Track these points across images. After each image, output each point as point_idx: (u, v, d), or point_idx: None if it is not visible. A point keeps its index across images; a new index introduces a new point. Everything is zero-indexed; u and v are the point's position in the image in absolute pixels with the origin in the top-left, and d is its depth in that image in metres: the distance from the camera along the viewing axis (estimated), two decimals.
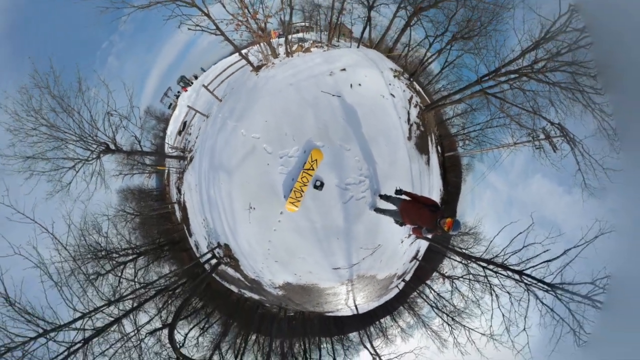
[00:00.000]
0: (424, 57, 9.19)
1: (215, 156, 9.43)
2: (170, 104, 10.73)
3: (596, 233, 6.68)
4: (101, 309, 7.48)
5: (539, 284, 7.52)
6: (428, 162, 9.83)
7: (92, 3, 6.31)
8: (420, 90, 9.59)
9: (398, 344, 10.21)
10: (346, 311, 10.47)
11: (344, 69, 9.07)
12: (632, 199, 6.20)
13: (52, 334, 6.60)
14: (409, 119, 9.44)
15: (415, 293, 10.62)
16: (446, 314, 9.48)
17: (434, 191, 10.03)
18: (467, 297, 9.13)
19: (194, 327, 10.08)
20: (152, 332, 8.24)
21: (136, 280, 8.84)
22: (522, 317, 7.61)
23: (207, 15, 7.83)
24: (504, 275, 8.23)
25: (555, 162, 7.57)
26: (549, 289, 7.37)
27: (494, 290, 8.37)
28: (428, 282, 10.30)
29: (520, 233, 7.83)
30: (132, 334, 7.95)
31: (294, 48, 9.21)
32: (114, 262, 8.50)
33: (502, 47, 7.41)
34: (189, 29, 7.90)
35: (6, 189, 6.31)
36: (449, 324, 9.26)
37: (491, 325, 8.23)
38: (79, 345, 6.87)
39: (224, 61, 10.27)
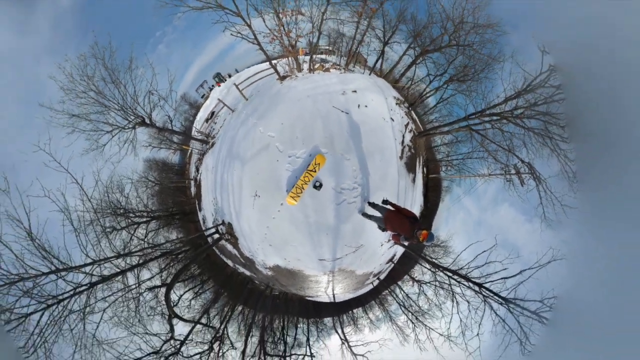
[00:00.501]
0: (423, 91, 9.40)
1: (234, 146, 9.41)
2: (204, 94, 10.75)
3: (549, 259, 6.74)
4: (110, 259, 7.25)
5: (495, 296, 7.49)
6: (414, 180, 9.89)
7: None
8: (416, 118, 9.77)
9: (366, 334, 9.99)
10: (324, 298, 10.27)
11: (355, 91, 9.21)
12: (583, 233, 6.28)
13: (63, 273, 6.38)
14: (403, 142, 9.55)
15: (387, 291, 10.48)
16: (411, 312, 9.34)
17: (415, 206, 10.05)
18: (431, 301, 9.04)
19: (188, 290, 9.77)
20: (151, 289, 7.97)
21: (145, 240, 8.60)
22: (477, 323, 7.54)
23: (249, 25, 7.96)
24: (465, 285, 8.19)
25: (521, 194, 7.70)
26: (503, 302, 7.34)
27: (455, 298, 8.31)
28: (399, 283, 10.19)
29: (484, 251, 7.85)
30: (134, 287, 7.71)
31: (316, 66, 9.37)
32: (129, 221, 8.28)
33: (490, 92, 7.66)
34: (231, 34, 8.01)
35: (49, 138, 6.22)
36: (412, 322, 9.12)
37: (449, 328, 8.13)
38: (84, 287, 6.63)
39: (256, 67, 10.38)
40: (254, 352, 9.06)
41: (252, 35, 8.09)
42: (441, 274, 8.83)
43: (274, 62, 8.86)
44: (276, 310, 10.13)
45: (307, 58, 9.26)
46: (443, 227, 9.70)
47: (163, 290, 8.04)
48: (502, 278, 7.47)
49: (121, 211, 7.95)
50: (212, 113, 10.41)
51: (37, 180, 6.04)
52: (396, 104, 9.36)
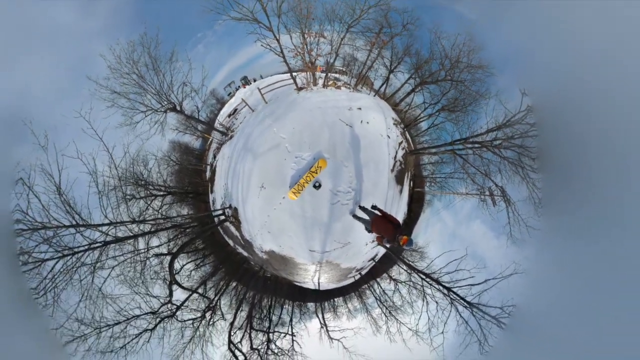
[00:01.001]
0: (418, 116, 9.51)
1: (249, 141, 9.36)
2: (230, 92, 10.77)
3: (511, 272, 6.67)
4: (126, 223, 7.02)
5: (461, 300, 7.36)
6: (401, 191, 9.87)
7: (203, 2, 6.51)
8: (409, 138, 9.84)
9: (343, 321, 9.69)
10: (310, 285, 10.01)
11: (360, 108, 9.28)
12: (543, 252, 6.27)
13: (82, 229, 6.15)
14: (395, 157, 9.57)
15: (366, 285, 10.25)
16: (386, 307, 9.10)
17: (399, 214, 9.99)
18: (404, 298, 8.84)
19: (190, 262, 9.44)
20: (157, 255, 7.70)
21: (159, 211, 8.36)
22: (442, 322, 7.36)
23: (278, 40, 8.06)
24: (436, 287, 8.04)
25: (492, 214, 7.70)
26: (468, 306, 7.21)
27: (426, 298, 8.14)
28: (378, 279, 9.98)
29: (456, 260, 7.73)
30: (142, 251, 7.45)
31: (329, 83, 9.48)
32: (148, 192, 8.05)
33: (474, 123, 7.77)
34: (261, 45, 8.09)
35: (90, 108, 6.12)
36: (385, 315, 8.87)
37: (417, 324, 7.93)
38: (99, 244, 6.39)
39: (278, 76, 10.46)
40: (242, 325, 8.72)
41: (279, 49, 8.17)
42: (415, 275, 8.69)
43: (294, 74, 8.94)
44: (266, 290, 9.83)
45: (323, 75, 9.36)
46: (421, 235, 9.62)
47: (168, 258, 7.78)
48: (468, 285, 7.36)
49: (142, 182, 7.75)
50: (235, 110, 10.40)
51: (74, 142, 5.90)
52: (393, 124, 9.45)
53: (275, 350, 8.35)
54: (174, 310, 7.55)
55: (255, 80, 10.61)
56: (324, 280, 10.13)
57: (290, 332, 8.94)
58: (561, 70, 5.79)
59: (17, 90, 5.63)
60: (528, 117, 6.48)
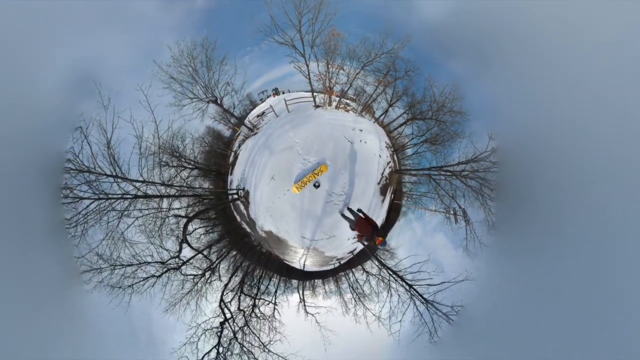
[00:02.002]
0: (406, 143, 9.70)
1: (269, 140, 9.37)
2: (262, 98, 10.92)
3: (463, 278, 6.59)
4: (156, 184, 6.83)
5: (419, 296, 7.18)
6: (382, 201, 9.83)
7: (256, 24, 6.75)
8: (396, 160, 9.95)
9: (319, 300, 9.26)
10: (297, 265, 9.68)
11: (361, 130, 9.39)
12: (491, 265, 6.25)
13: (119, 180, 5.95)
14: (382, 173, 9.61)
15: (343, 273, 9.93)
16: (356, 293, 8.78)
17: (379, 219, 9.88)
18: (372, 288, 8.56)
19: (202, 227, 9.08)
20: (176, 216, 7.42)
21: (185, 180, 8.15)
22: (401, 312, 7.13)
23: (307, 65, 8.28)
24: (400, 283, 7.86)
25: (454, 229, 7.68)
26: (424, 301, 7.03)
27: (390, 290, 7.92)
28: (353, 269, 9.69)
29: (419, 263, 7.63)
30: (164, 210, 7.20)
31: (340, 106, 9.69)
32: (179, 163, 7.85)
33: (449, 155, 7.93)
34: (294, 67, 8.30)
35: (150, 85, 6.12)
36: (355, 300, 8.53)
37: (381, 311, 7.63)
38: (130, 196, 6.17)
39: (302, 93, 10.63)
40: (234, 288, 8.29)
41: (307, 72, 8.38)
42: (385, 271, 8.50)
43: (314, 94, 9.14)
44: (259, 262, 9.46)
45: (337, 99, 9.58)
46: (394, 239, 9.50)
47: (184, 220, 7.49)
48: (427, 284, 7.22)
49: (176, 154, 7.61)
50: (263, 112, 10.48)
51: (130, 109, 5.84)
52: (385, 146, 9.58)
53: (258, 314, 7.91)
54: (180, 264, 7.18)
55: (283, 93, 10.80)
56: (309, 263, 9.83)
57: (273, 301, 8.53)
58: (522, 125, 6.03)
59: (96, 57, 5.64)
60: (491, 157, 6.65)
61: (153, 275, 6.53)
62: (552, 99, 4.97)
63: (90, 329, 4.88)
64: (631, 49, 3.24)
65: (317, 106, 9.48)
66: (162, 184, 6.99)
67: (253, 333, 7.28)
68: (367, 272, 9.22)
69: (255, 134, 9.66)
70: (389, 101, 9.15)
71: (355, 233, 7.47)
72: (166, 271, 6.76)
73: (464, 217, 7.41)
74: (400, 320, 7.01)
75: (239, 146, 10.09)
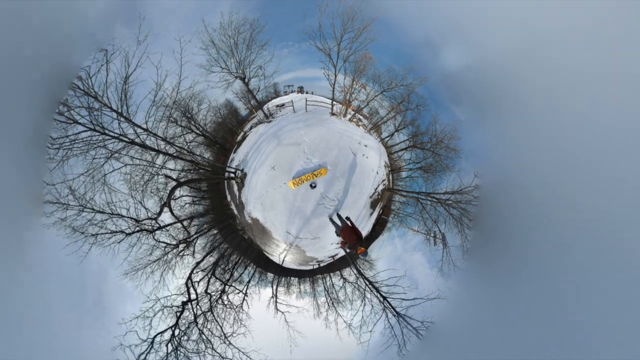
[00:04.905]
0: (402, 166, 10.32)
1: (280, 131, 9.32)
2: (286, 91, 11.02)
3: (435, 296, 6.72)
4: (158, 137, 6.19)
5: (392, 309, 7.08)
6: (371, 214, 9.97)
7: (305, 25, 7.08)
8: (391, 179, 10.42)
9: (292, 298, 8.49)
10: (276, 259, 9.00)
11: (365, 145, 9.78)
12: (462, 287, 6.52)
13: (122, 119, 5.29)
14: (376, 189, 9.90)
15: (320, 275, 9.41)
16: (331, 297, 8.29)
17: (364, 230, 9.93)
18: (347, 295, 8.19)
19: (189, 196, 8.13)
20: (167, 177, 6.63)
21: (188, 144, 7.47)
22: (373, 323, 6.89)
23: (335, 76, 8.72)
24: (375, 294, 7.70)
25: (432, 250, 7.99)
26: (396, 315, 6.92)
27: (365, 300, 7.68)
28: (331, 274, 9.27)
29: (396, 277, 7.67)
30: (157, 167, 6.43)
31: (353, 119, 10.19)
32: (187, 125, 7.23)
33: (438, 184, 8.58)
34: (323, 73, 8.66)
35: (189, 40, 5.88)
36: (328, 305, 8.01)
37: (352, 319, 7.27)
38: (127, 140, 5.48)
39: (323, 98, 10.98)
40: (206, 268, 7.28)
41: (333, 81, 8.82)
42: (362, 280, 8.32)
43: (334, 102, 9.55)
44: (238, 247, 8.59)
45: (352, 112, 10.09)
46: (375, 251, 9.51)
47: (173, 183, 6.74)
48: (401, 298, 7.19)
49: (188, 115, 7.06)
50: (283, 104, 10.48)
51: (161, 55, 5.46)
52: (384, 165, 10.06)
53: (226, 302, 6.94)
54: (155, 228, 6.23)
55: (307, 93, 11.08)
56: (288, 259, 9.22)
57: (244, 291, 7.64)
58: (504, 170, 6.91)
59: None
60: (474, 192, 7.36)
61: (123, 232, 5.49)
62: (532, 155, 5.85)
63: (34, 269, 3.72)
64: (600, 117, 4.13)
65: (333, 114, 9.82)
66: (164, 140, 6.33)
67: (216, 321, 6.28)
68: (344, 278, 8.92)
69: (270, 121, 9.53)
70: (397, 126, 9.90)
71: (339, 239, 7.35)
72: (138, 231, 5.76)
73: (442, 241, 7.81)
74: (370, 330, 6.74)
75: (251, 128, 9.78)
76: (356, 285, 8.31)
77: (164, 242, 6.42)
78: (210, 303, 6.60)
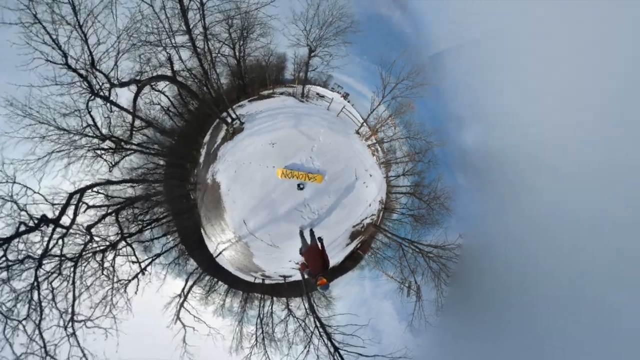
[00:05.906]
0: (395, 208, 10.35)
1: (302, 116, 8.92)
2: (333, 88, 11.56)
3: (401, 355, 5.37)
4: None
5: None
6: (347, 245, 8.95)
7: (383, 51, 7.98)
8: (381, 216, 10.07)
9: (207, 311, 5.44)
10: (211, 246, 6.53)
11: (371, 175, 9.63)
12: (433, 345, 5.39)
13: (93, 46, 3.98)
14: (362, 220, 9.33)
15: (259, 294, 6.76)
16: (263, 330, 5.66)
17: (334, 259, 8.54)
18: (287, 334, 5.78)
19: (169, 102, 5.87)
20: (169, 59, 4.81)
21: (218, 52, 5.84)
22: None
23: (378, 104, 9.18)
24: (324, 342, 5.75)
25: (403, 301, 7.06)
26: None
27: (309, 347, 5.55)
28: (275, 298, 6.79)
29: (356, 325, 6.12)
30: (172, 39, 4.73)
31: (372, 147, 10.54)
32: (236, 37, 5.71)
33: (424, 235, 8.66)
34: (371, 96, 9.17)
35: None
36: (257, 339, 5.33)
37: None
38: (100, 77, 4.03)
39: (357, 114, 11.25)
40: (112, 198, 4.48)
41: (374, 108, 9.50)
42: (312, 319, 6.31)
43: (364, 124, 10.01)
44: (173, 203, 5.96)
45: (374, 141, 10.54)
46: (339, 288, 7.86)
47: (168, 72, 4.96)
48: (358, 353, 5.45)
49: (245, 33, 5.70)
50: (323, 96, 10.58)
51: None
52: (379, 201, 9.91)
53: (106, 265, 4.00)
54: (106, 100, 3.96)
55: (348, 102, 11.63)
56: (227, 256, 6.78)
57: (142, 266, 4.74)
58: (488, 237, 7.40)
59: None
60: (457, 250, 7.46)
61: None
62: (516, 229, 6.45)
63: None
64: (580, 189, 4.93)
65: (357, 132, 10.07)
66: (204, 27, 4.92)
67: (72, 284, 3.27)
68: (290, 310, 6.65)
69: (302, 102, 9.08)
70: (404, 171, 10.54)
71: (301, 259, 6.00)
72: (73, 70, 3.47)
73: (417, 293, 7.05)
74: None
75: (281, 94, 9.04)
76: (303, 323, 6.14)
77: (92, 122, 3.92)
78: (82, 252, 3.61)
